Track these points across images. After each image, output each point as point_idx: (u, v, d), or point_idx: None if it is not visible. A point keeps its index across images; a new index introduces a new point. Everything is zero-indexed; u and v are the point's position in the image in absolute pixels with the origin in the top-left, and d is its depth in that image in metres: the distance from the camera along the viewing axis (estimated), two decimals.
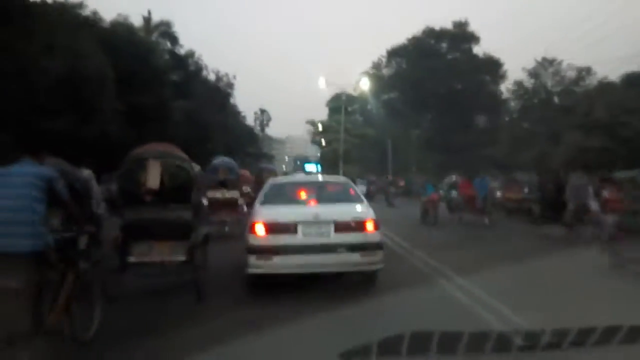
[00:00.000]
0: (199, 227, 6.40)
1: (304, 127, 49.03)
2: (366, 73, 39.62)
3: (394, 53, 51.74)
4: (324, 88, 31.92)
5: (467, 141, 48.20)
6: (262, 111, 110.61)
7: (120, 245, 6.05)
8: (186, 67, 44.86)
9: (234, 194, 12.23)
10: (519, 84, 34.49)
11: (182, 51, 46.07)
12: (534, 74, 33.29)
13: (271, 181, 8.48)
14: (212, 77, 50.78)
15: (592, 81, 31.98)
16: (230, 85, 50.92)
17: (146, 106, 26.93)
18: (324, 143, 39.85)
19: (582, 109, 28.99)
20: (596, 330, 1.51)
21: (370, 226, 6.34)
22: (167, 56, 44.21)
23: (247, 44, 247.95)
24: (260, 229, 6.26)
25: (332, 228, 6.23)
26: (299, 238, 6.19)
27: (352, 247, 6.16)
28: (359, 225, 6.30)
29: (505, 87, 46.67)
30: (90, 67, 19.68)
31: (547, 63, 32.92)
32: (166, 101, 30.58)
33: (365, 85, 38.45)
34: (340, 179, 8.84)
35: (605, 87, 30.22)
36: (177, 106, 35.35)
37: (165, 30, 42.74)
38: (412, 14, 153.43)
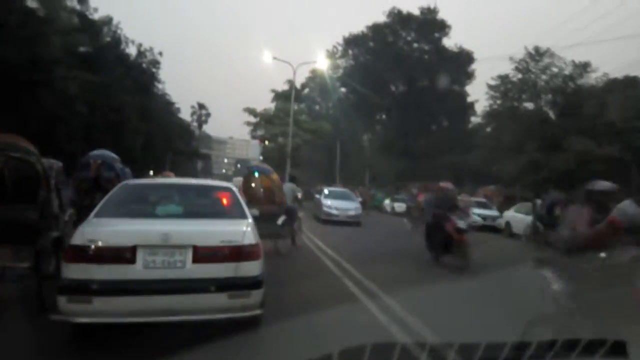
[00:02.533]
0: (47, 229, 5.53)
1: (243, 117, 40.66)
2: (319, 63, 32.91)
3: (352, 41, 45.40)
4: (269, 62, 24.72)
5: (431, 146, 42.74)
6: (201, 105, 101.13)
7: None
8: (97, 34, 36.06)
9: None
10: (503, 78, 28.99)
11: (95, 17, 37.20)
12: (524, 68, 27.71)
13: (123, 182, 5.85)
14: (132, 51, 42.10)
15: (589, 80, 26.99)
16: (155, 64, 42.34)
17: (9, 62, 18.54)
18: (266, 142, 32.20)
19: (590, 110, 23.45)
20: (531, 345, 1.49)
21: (246, 254, 4.15)
22: (75, 19, 35.40)
23: (190, 33, 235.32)
24: (75, 256, 3.94)
25: (190, 255, 4.05)
26: (136, 270, 3.97)
27: (217, 285, 4.01)
28: (230, 253, 4.10)
29: (472, 87, 41.48)
30: None
31: (537, 55, 27.57)
32: (49, 63, 22.10)
33: (323, 64, 31.44)
34: (222, 183, 6.25)
35: (613, 85, 25.02)
36: (74, 76, 26.86)
37: None
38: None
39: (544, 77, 27.74)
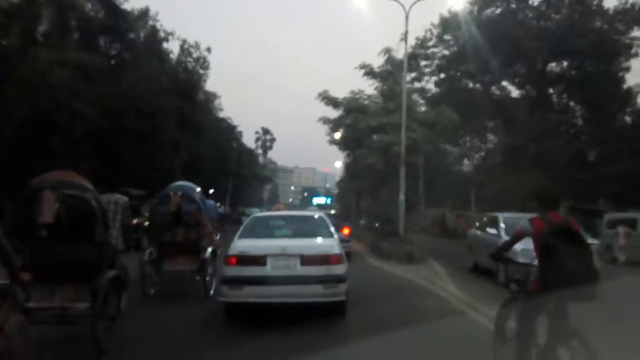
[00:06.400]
0: (104, 268, 5.53)
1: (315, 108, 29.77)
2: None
3: (449, 23, 34.56)
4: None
5: (575, 152, 30.67)
6: (265, 131, 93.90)
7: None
8: (125, 21, 27.79)
9: (196, 233, 9.06)
10: None
11: (126, 6, 29.08)
12: None
13: (253, 216, 9.10)
14: (174, 48, 33.88)
15: None
16: (202, 63, 33.49)
17: None
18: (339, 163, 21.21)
19: None
20: None
21: (333, 260, 6.68)
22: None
23: (260, 58, 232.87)
24: (232, 261, 6.69)
25: (299, 261, 6.60)
26: (267, 270, 6.57)
27: (316, 279, 6.51)
28: (323, 259, 6.66)
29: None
30: None
31: None
32: None
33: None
34: (316, 213, 9.47)
35: None
36: (64, 59, 18.07)
37: None
38: None
39: None
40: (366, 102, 19.47)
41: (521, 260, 4.94)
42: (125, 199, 7.49)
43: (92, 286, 5.16)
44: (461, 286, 9.78)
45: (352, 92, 19.49)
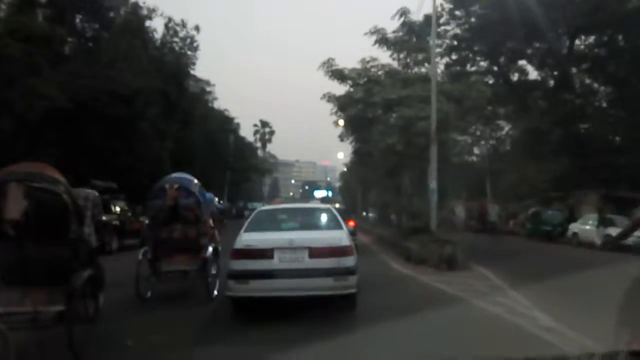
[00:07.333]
0: (80, 268, 5.20)
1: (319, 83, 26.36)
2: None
3: None
4: None
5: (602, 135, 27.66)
6: (264, 123, 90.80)
7: None
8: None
9: (195, 229, 8.49)
10: None
11: None
12: None
13: (258, 209, 9.02)
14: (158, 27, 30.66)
15: None
16: (190, 44, 30.24)
17: None
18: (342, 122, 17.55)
19: None
20: None
21: (343, 252, 6.56)
22: None
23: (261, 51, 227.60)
24: (238, 255, 6.57)
25: (307, 254, 6.47)
26: (274, 263, 6.45)
27: (325, 272, 6.37)
28: (333, 251, 6.52)
29: None
30: None
31: None
32: None
33: None
34: (324, 205, 9.30)
35: None
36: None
37: None
38: None
39: None
40: (380, 73, 16.37)
41: None
42: (96, 193, 6.66)
43: (66, 287, 4.88)
44: (555, 315, 6.39)
45: (363, 60, 16.32)
